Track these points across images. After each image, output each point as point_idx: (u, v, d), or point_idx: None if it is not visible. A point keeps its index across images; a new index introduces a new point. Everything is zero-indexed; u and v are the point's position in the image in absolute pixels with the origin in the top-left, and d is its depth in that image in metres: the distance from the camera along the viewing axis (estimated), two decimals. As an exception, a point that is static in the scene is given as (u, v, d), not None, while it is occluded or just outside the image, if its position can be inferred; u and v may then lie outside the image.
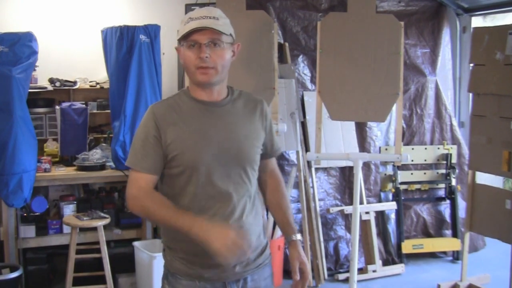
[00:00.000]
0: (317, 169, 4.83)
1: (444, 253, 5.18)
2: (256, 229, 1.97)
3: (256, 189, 2.01)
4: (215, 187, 1.86)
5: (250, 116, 1.97)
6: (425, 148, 5.24)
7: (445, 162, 5.21)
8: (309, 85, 4.94)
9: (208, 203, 1.87)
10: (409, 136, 5.24)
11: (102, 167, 4.30)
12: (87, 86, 4.75)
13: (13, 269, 3.91)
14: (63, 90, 4.67)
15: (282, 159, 4.74)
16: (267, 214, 4.46)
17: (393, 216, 5.07)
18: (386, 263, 4.87)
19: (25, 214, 4.21)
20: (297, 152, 4.61)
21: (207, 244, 1.69)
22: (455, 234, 5.11)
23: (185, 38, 1.83)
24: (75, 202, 4.32)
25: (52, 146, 4.51)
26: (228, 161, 1.88)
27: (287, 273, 4.60)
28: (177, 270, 1.93)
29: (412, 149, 5.15)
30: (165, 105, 1.93)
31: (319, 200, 4.78)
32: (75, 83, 4.68)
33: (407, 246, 4.95)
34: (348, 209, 4.63)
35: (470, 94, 4.42)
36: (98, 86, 4.76)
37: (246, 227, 1.91)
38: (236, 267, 1.90)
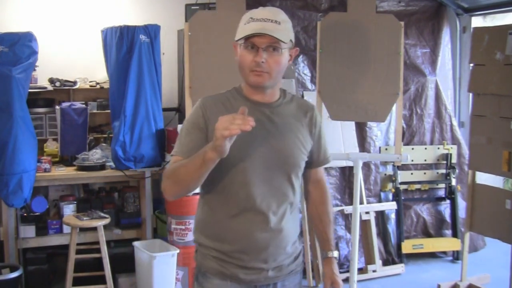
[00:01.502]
0: (317, 169, 4.82)
1: (444, 253, 5.18)
2: (294, 236, 1.94)
3: (299, 197, 1.96)
4: (253, 189, 1.82)
5: (300, 121, 1.93)
6: (425, 148, 5.24)
7: (445, 162, 5.21)
8: (309, 85, 4.94)
9: (247, 204, 1.83)
10: (409, 136, 5.24)
11: (102, 167, 4.30)
12: (87, 86, 4.75)
13: (13, 269, 3.91)
14: (63, 90, 4.67)
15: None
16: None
17: (393, 216, 5.07)
18: (386, 263, 4.87)
19: (25, 214, 4.21)
20: (297, 152, 4.60)
21: (218, 142, 1.61)
22: (455, 234, 5.11)
23: (244, 39, 1.81)
24: (75, 202, 4.32)
25: (52, 146, 4.50)
26: (272, 163, 1.84)
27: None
28: (209, 268, 1.90)
29: (412, 149, 5.15)
30: (216, 99, 1.91)
31: (319, 200, 4.78)
32: (75, 83, 4.68)
33: (407, 246, 4.95)
34: (348, 209, 4.63)
35: (470, 94, 4.42)
36: (98, 86, 4.76)
37: (284, 233, 1.88)
38: (269, 271, 1.89)
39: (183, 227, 3.98)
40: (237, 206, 1.84)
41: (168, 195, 1.84)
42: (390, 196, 5.07)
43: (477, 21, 5.52)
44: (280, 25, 1.80)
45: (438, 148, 5.25)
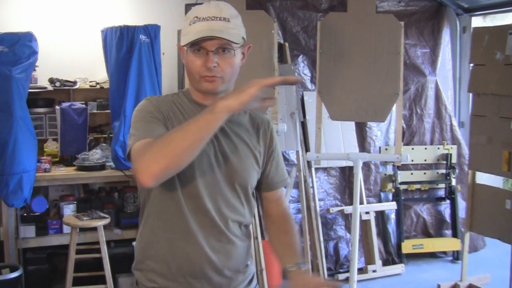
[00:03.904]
0: (317, 169, 4.83)
1: (444, 253, 5.18)
2: (247, 254, 1.78)
3: (250, 215, 1.76)
4: (203, 202, 1.64)
5: (252, 132, 1.74)
6: (425, 148, 5.24)
7: (445, 162, 5.22)
8: (309, 85, 4.94)
9: (196, 218, 1.64)
10: (409, 136, 5.24)
11: (102, 167, 4.30)
12: (87, 86, 4.75)
13: (13, 269, 3.91)
14: (63, 90, 4.67)
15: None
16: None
17: (393, 216, 5.08)
18: (386, 263, 4.88)
19: (25, 214, 4.21)
20: (297, 152, 4.61)
21: (251, 90, 1.44)
22: (455, 234, 5.11)
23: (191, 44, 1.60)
24: (75, 202, 4.32)
25: (52, 146, 4.51)
26: (223, 176, 1.65)
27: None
28: None
29: (412, 149, 5.15)
30: (164, 99, 1.71)
31: (319, 200, 4.78)
32: (75, 83, 4.68)
33: (407, 246, 4.95)
34: (348, 209, 4.63)
35: (470, 94, 4.43)
36: (98, 86, 4.76)
37: (238, 251, 1.71)
38: None
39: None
40: (182, 223, 1.64)
41: (150, 175, 1.43)
42: (390, 196, 5.08)
43: (477, 21, 5.52)
44: (229, 22, 1.60)
45: (438, 148, 5.25)
